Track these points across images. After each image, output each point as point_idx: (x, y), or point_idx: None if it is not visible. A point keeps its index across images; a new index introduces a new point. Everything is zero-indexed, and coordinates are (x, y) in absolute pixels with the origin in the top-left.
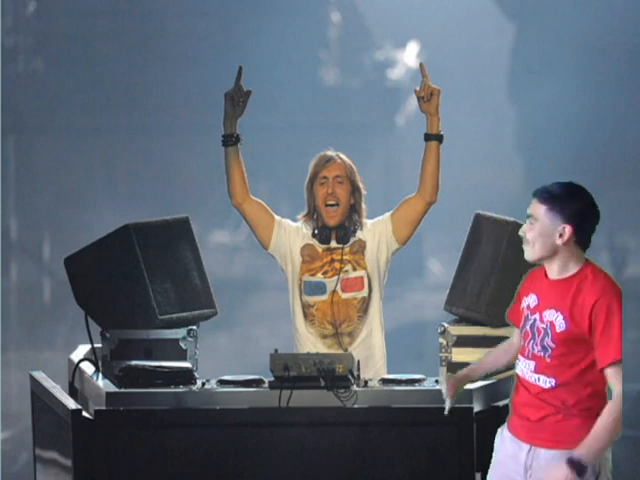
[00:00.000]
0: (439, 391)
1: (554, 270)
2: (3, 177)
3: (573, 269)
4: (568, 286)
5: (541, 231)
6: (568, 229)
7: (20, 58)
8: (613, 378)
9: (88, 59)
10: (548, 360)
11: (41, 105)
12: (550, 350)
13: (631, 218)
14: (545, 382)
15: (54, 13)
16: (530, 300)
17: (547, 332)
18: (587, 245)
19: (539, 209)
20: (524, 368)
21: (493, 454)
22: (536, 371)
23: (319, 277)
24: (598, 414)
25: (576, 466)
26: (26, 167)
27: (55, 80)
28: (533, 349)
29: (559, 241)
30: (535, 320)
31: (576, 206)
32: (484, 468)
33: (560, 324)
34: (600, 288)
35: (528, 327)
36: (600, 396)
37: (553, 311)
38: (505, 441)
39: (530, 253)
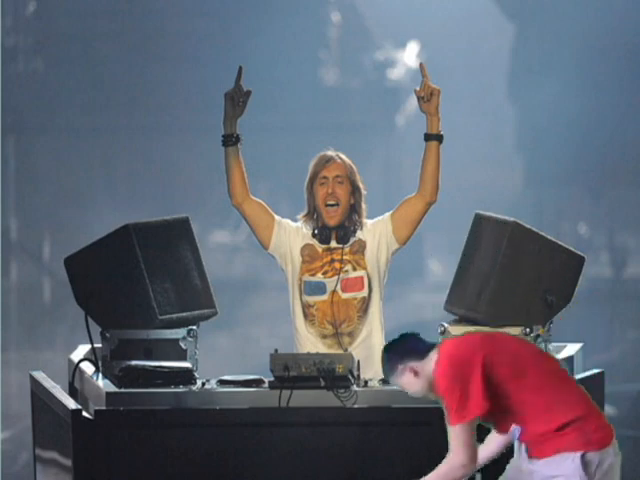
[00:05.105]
0: None
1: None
2: (3, 177)
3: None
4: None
5: (409, 388)
6: (407, 368)
7: (20, 58)
8: (453, 438)
9: (88, 59)
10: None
11: (41, 105)
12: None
13: (631, 218)
14: (516, 430)
15: (54, 13)
16: None
17: None
18: (422, 354)
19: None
20: None
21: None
22: (497, 432)
23: (319, 277)
24: (572, 418)
25: None
26: (26, 167)
27: (55, 80)
28: None
29: (413, 377)
30: None
31: (389, 357)
32: (484, 468)
33: None
34: (436, 376)
35: None
36: (558, 409)
37: None
38: (516, 448)
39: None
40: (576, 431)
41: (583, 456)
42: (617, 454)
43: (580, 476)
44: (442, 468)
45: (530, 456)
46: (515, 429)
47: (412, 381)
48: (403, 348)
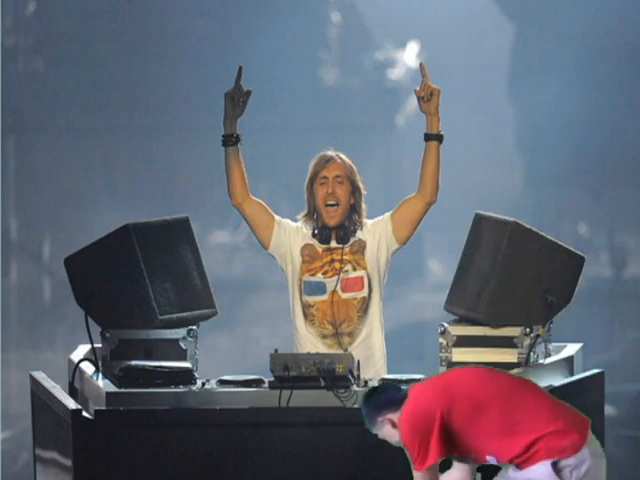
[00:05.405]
0: None
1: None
2: (3, 177)
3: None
4: None
5: (390, 439)
6: (386, 420)
7: (20, 58)
8: None
9: (88, 59)
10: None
11: (41, 105)
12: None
13: (631, 218)
14: (492, 461)
15: (54, 13)
16: None
17: None
18: (398, 405)
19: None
20: None
21: None
22: (476, 463)
23: (319, 277)
24: (537, 436)
25: None
26: (26, 167)
27: (55, 80)
28: None
29: (391, 429)
30: None
31: (368, 411)
32: (484, 468)
33: None
34: (400, 428)
35: None
36: (521, 432)
37: None
38: None
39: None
40: (545, 446)
41: (556, 463)
42: (596, 454)
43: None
44: None
45: (517, 465)
46: (491, 459)
47: (392, 432)
48: (381, 401)
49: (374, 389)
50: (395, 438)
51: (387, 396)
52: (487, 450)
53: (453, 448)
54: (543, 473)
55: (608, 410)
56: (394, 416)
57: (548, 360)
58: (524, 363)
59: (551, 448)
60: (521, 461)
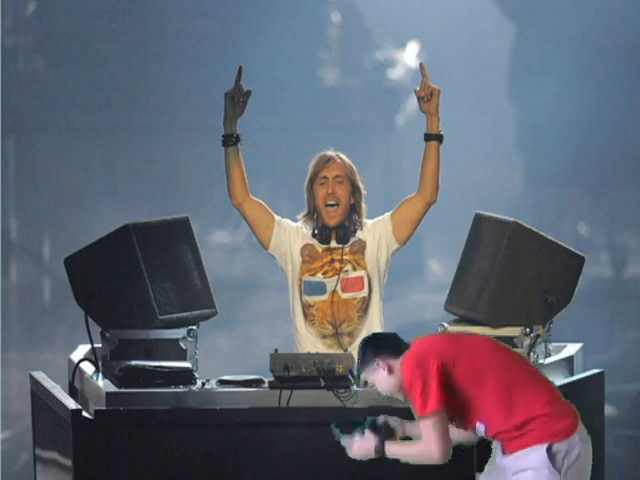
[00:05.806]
0: None
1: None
2: (3, 177)
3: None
4: None
5: (381, 384)
6: (383, 364)
7: (20, 58)
8: (422, 430)
9: (88, 59)
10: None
11: (41, 105)
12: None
13: (631, 218)
14: (480, 432)
15: (54, 13)
16: None
17: None
18: (398, 352)
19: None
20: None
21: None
22: (464, 429)
23: (319, 277)
24: (533, 415)
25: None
26: (26, 167)
27: (55, 80)
28: None
29: (386, 374)
30: None
31: (367, 351)
32: (483, 468)
33: None
34: (402, 373)
35: None
36: (517, 408)
37: None
38: (494, 444)
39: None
40: (539, 427)
41: (549, 447)
42: (585, 441)
43: (548, 467)
44: (418, 448)
45: (503, 452)
46: (480, 426)
47: (384, 378)
48: (381, 344)
49: (378, 333)
50: (386, 384)
51: (390, 341)
52: (481, 414)
53: (451, 400)
54: (538, 459)
55: (608, 410)
56: (392, 362)
57: (548, 360)
58: None
59: (545, 430)
60: (509, 437)
